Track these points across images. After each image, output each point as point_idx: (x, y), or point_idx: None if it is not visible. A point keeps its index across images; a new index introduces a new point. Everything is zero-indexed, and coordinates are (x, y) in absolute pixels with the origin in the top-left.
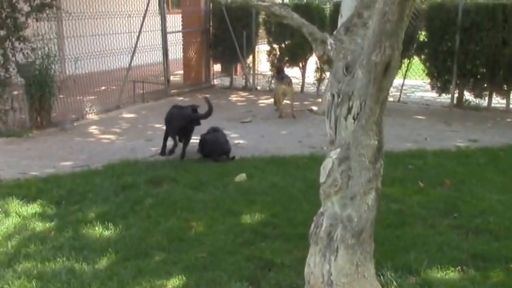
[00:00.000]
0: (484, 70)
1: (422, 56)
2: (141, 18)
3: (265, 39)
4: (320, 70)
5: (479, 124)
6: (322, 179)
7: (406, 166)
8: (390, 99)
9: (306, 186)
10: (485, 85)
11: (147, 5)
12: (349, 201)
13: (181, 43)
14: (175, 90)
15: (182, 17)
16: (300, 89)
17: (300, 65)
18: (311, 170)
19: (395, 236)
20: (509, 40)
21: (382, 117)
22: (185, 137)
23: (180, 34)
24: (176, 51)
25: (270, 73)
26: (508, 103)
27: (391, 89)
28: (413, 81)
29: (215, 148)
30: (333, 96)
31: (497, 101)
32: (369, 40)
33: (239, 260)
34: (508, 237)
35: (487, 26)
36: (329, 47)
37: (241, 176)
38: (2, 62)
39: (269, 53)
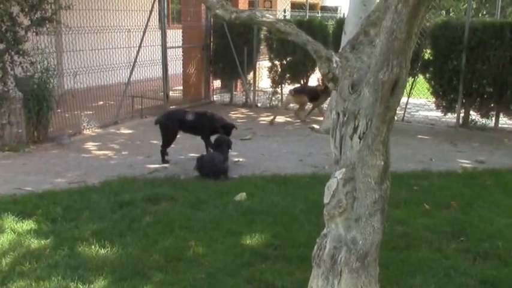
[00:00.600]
0: (491, 89)
1: (427, 75)
2: (141, 33)
3: (267, 56)
4: None
5: (486, 145)
6: (326, 200)
7: (411, 187)
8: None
9: (308, 207)
10: (492, 105)
11: (148, 20)
12: (354, 223)
13: (181, 58)
14: (174, 106)
15: (183, 32)
16: None
17: (302, 82)
18: (313, 189)
19: (400, 259)
20: None
21: (389, 137)
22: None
23: (180, 49)
24: (176, 67)
25: (270, 89)
26: None
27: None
28: (417, 100)
29: (212, 169)
30: (338, 114)
31: (504, 122)
32: (377, 58)
33: (239, 282)
34: None
35: (494, 44)
36: (334, 65)
37: (241, 195)
38: (0, 75)
39: (270, 69)
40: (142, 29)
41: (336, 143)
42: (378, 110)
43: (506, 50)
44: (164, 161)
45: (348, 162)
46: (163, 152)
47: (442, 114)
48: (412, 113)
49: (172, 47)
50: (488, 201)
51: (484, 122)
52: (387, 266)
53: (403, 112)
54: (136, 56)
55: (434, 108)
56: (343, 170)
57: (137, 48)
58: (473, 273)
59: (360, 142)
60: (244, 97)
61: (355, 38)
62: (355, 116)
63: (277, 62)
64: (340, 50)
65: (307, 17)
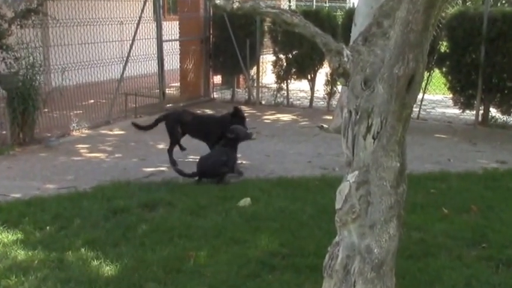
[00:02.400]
0: None
1: (444, 69)
2: (135, 25)
3: (271, 49)
4: (331, 83)
5: (508, 143)
6: (338, 205)
7: (428, 190)
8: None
9: (318, 212)
10: None
11: (142, 11)
12: (368, 230)
13: (178, 52)
14: (171, 104)
15: (179, 24)
16: (308, 103)
17: (309, 77)
18: (322, 193)
19: (417, 268)
20: None
21: (405, 136)
22: None
23: (177, 43)
24: (172, 62)
25: (275, 86)
26: None
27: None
28: (433, 96)
29: (206, 170)
30: (350, 112)
31: None
32: (391, 52)
33: None
34: None
35: None
36: (345, 59)
37: (246, 200)
38: None
39: (275, 63)
40: (136, 21)
41: (348, 144)
42: (393, 107)
43: None
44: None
45: (361, 164)
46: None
47: (460, 111)
48: (428, 110)
49: (169, 40)
50: (511, 204)
51: (505, 119)
52: (404, 276)
53: (418, 109)
54: (130, 51)
55: (452, 104)
56: (356, 172)
57: (130, 41)
58: (496, 283)
59: (373, 142)
60: (246, 94)
61: (367, 29)
62: (369, 114)
63: (282, 56)
64: (351, 43)
65: (314, 7)
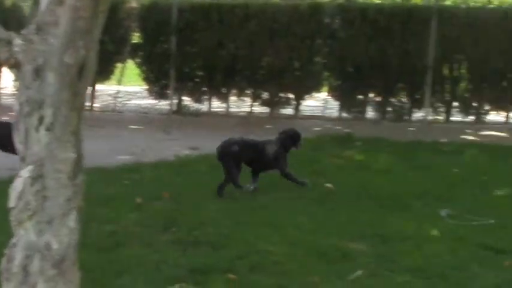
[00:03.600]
0: (202, 73)
1: (137, 60)
2: None
3: None
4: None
5: (200, 130)
6: (12, 204)
7: (122, 182)
8: (104, 109)
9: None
10: (204, 89)
11: None
12: (46, 225)
13: None
14: None
15: None
16: None
17: None
18: (7, 197)
19: (107, 260)
20: (225, 42)
21: (80, 126)
22: None
23: None
24: None
25: None
26: (227, 107)
27: (106, 98)
28: (129, 88)
29: None
30: (21, 105)
31: (218, 105)
32: (61, 39)
33: None
34: (225, 246)
35: (202, 26)
36: (16, 49)
37: None
38: None
39: None
40: None
41: (21, 138)
42: (65, 96)
43: (214, 32)
44: None
45: (35, 158)
46: None
47: (156, 101)
48: (123, 102)
49: None
50: (200, 188)
51: (197, 107)
52: (92, 269)
53: (114, 102)
54: None
55: (147, 95)
56: (31, 167)
57: None
58: (183, 263)
59: (47, 134)
60: None
61: (42, 17)
62: (40, 105)
63: None
64: (22, 31)
65: None
